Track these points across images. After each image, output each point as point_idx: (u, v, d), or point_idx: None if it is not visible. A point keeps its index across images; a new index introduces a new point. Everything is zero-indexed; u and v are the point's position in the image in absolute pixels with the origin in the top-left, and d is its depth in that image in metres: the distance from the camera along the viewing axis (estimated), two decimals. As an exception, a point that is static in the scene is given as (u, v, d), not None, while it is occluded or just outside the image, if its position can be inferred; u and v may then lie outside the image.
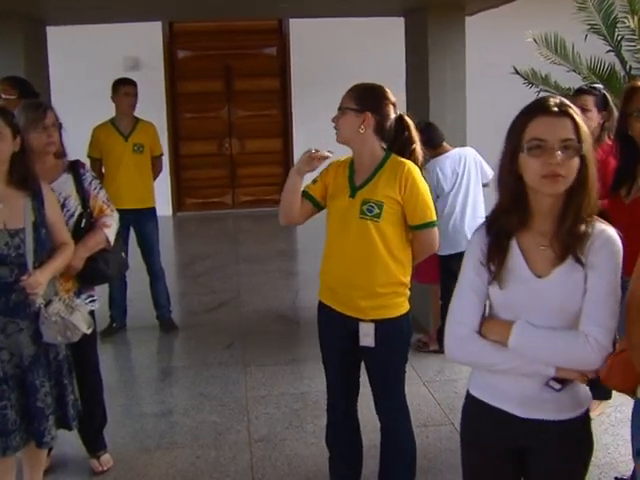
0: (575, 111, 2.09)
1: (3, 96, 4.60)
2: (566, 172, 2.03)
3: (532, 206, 2.14)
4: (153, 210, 6.28)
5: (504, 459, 2.30)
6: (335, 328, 3.31)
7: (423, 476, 3.82)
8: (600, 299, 2.08)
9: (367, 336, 3.18)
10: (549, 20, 8.41)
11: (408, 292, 3.28)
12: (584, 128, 2.07)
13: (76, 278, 3.64)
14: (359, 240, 3.14)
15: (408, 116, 3.30)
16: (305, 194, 3.30)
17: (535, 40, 8.31)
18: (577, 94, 4.44)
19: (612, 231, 2.12)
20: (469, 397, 2.35)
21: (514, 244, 2.17)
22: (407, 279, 3.25)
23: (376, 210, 3.11)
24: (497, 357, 2.16)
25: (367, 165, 3.20)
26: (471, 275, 2.23)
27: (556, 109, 2.06)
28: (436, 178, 5.14)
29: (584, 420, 2.23)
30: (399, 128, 3.25)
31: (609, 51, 8.23)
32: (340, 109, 3.20)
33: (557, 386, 2.13)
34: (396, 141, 3.26)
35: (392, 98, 3.23)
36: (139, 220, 6.04)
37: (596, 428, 4.19)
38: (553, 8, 9.01)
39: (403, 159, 3.21)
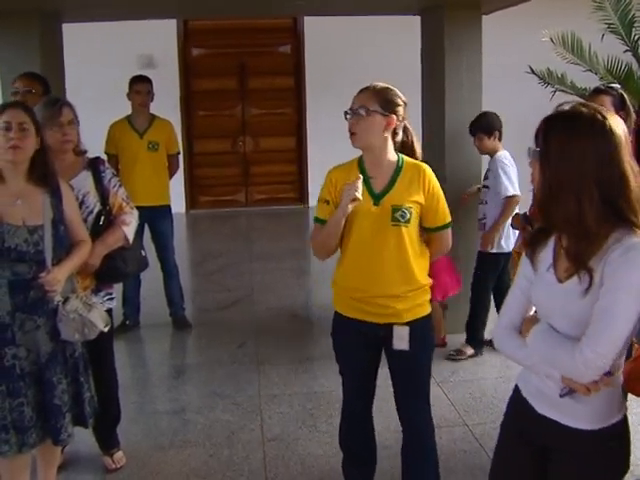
0: None
1: (33, 91, 4.63)
2: None
3: None
4: (168, 208, 6.28)
5: (529, 451, 2.31)
6: (358, 339, 3.25)
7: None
8: (601, 319, 1.99)
9: (402, 340, 3.17)
10: (566, 19, 8.35)
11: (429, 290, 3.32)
12: None
13: (94, 276, 3.64)
14: (392, 247, 3.12)
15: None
16: (325, 222, 3.19)
17: (551, 39, 8.25)
18: (594, 94, 4.40)
19: (638, 243, 1.98)
20: (515, 385, 2.41)
21: (552, 240, 2.18)
22: (428, 279, 3.28)
23: (407, 215, 3.10)
24: (520, 353, 2.23)
25: (384, 170, 3.16)
26: (521, 273, 2.29)
27: None
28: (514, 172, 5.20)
29: (606, 436, 2.14)
30: (403, 131, 3.25)
31: (626, 51, 8.17)
32: (365, 111, 3.04)
33: (562, 391, 2.13)
34: (401, 144, 3.26)
35: (404, 99, 3.18)
36: (154, 217, 6.03)
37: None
38: (570, 7, 8.95)
39: (415, 160, 3.23)
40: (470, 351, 5.42)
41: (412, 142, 3.33)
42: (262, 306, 6.94)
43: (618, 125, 2.05)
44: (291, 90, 11.90)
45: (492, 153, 5.31)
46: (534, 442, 2.28)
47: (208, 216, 11.67)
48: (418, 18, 6.38)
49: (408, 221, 3.10)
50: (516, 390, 2.38)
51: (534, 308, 2.28)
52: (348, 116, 3.11)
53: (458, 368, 5.22)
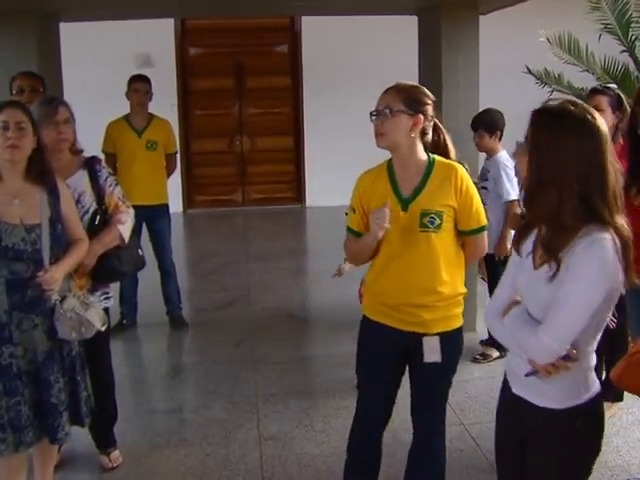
0: None
1: (40, 89, 4.64)
2: None
3: None
4: (166, 207, 6.29)
5: (513, 429, 2.43)
6: (387, 345, 3.14)
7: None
8: (559, 304, 2.13)
9: (433, 351, 3.04)
10: (563, 20, 8.35)
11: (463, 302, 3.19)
12: None
13: (89, 275, 3.64)
14: (421, 255, 3.00)
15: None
16: (355, 232, 3.15)
17: (548, 40, 8.27)
18: (591, 94, 4.42)
19: (602, 238, 2.10)
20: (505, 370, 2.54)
21: (535, 231, 2.30)
22: (464, 288, 3.16)
23: (437, 221, 2.97)
24: (502, 334, 2.41)
25: (414, 172, 3.03)
26: (512, 261, 2.45)
27: None
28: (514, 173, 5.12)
29: (572, 415, 2.25)
30: (434, 130, 3.15)
31: (623, 51, 8.18)
32: (389, 111, 2.95)
33: (528, 371, 2.26)
34: (433, 145, 3.14)
35: (432, 97, 3.09)
36: (152, 216, 6.04)
37: (607, 430, 4.17)
38: (567, 7, 8.95)
39: (448, 161, 3.09)
40: (495, 353, 5.34)
41: (445, 141, 3.19)
42: (259, 306, 6.94)
43: (604, 125, 2.16)
44: (288, 90, 11.89)
45: (490, 152, 5.29)
46: (516, 420, 2.40)
47: (205, 215, 11.66)
48: (415, 18, 6.39)
49: (438, 227, 2.97)
50: (504, 373, 2.53)
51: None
52: (373, 117, 3.01)
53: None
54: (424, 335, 3.05)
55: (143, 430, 4.46)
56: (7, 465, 3.23)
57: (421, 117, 2.98)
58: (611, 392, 4.26)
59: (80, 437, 3.94)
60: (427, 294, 3.03)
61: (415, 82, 3.17)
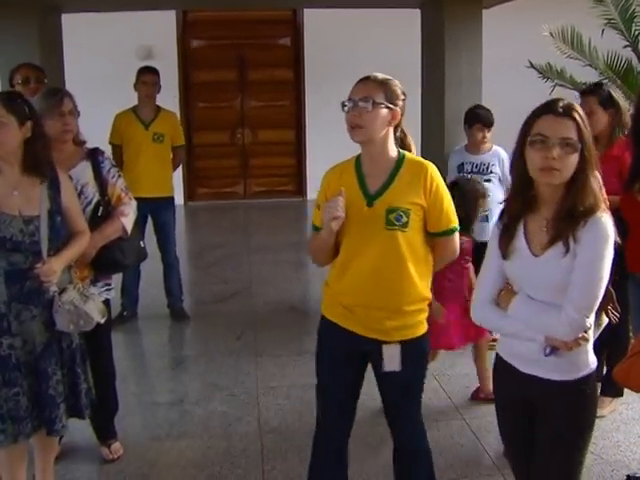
0: (580, 115, 2.35)
1: (45, 80, 4.64)
2: (561, 167, 2.30)
3: (538, 193, 2.42)
4: (172, 199, 6.31)
5: (520, 407, 2.60)
6: (345, 348, 2.99)
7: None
8: (577, 279, 2.32)
9: (392, 360, 2.90)
10: (566, 14, 8.31)
11: (428, 308, 3.04)
12: (586, 131, 2.33)
13: (91, 267, 3.64)
14: (386, 254, 2.84)
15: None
16: (319, 229, 2.94)
17: (551, 34, 8.23)
18: (581, 96, 4.37)
19: (605, 220, 2.34)
20: (497, 354, 2.68)
21: (521, 226, 2.47)
22: (429, 293, 3.01)
23: (404, 219, 2.81)
24: (502, 322, 2.54)
25: (383, 168, 2.90)
26: (491, 253, 2.57)
27: (561, 110, 2.33)
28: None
29: (582, 383, 2.46)
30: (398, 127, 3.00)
31: (626, 46, 8.14)
32: (371, 103, 2.79)
33: (547, 351, 2.43)
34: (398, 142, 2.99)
35: (405, 92, 2.95)
36: (157, 208, 6.07)
37: (608, 425, 4.22)
38: (570, 2, 8.90)
39: (418, 157, 2.97)
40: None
41: (408, 140, 3.10)
42: (260, 298, 6.94)
43: None
44: (290, 82, 11.89)
45: (488, 146, 5.38)
46: (521, 399, 2.57)
47: (206, 208, 11.66)
48: (418, 12, 6.38)
49: (405, 225, 2.82)
50: (497, 358, 2.67)
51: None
52: (346, 108, 2.83)
53: (455, 362, 5.22)
54: (384, 343, 2.90)
55: (144, 422, 4.46)
56: (7, 456, 3.23)
57: (399, 111, 2.89)
58: (611, 388, 4.26)
59: (81, 429, 3.95)
60: (390, 297, 2.88)
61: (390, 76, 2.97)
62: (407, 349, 2.92)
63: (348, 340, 2.97)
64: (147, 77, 6.04)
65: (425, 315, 3.00)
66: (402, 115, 2.93)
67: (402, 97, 2.91)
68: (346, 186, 2.87)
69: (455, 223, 2.96)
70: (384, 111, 2.83)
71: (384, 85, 2.86)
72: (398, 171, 2.89)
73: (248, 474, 3.86)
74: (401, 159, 2.91)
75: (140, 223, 5.40)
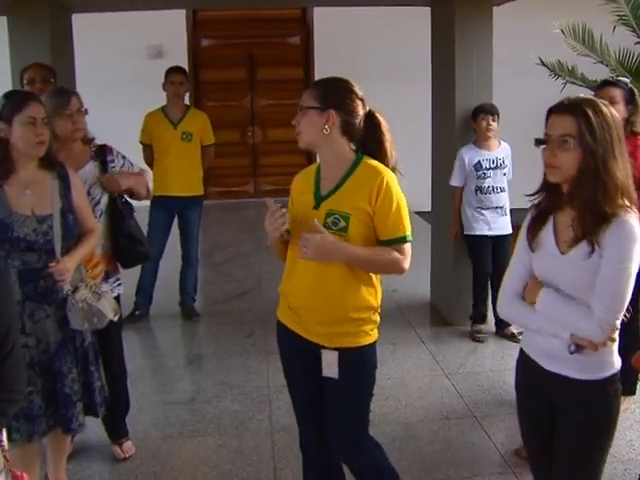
0: (591, 109, 2.31)
1: (52, 80, 4.67)
2: (558, 164, 2.34)
3: (565, 191, 2.42)
4: (200, 198, 6.38)
5: (540, 405, 2.59)
6: (297, 351, 2.96)
7: (445, 468, 3.83)
8: (604, 280, 2.31)
9: (330, 366, 2.82)
10: (577, 11, 8.30)
11: (378, 318, 2.91)
12: (596, 124, 2.29)
13: (115, 261, 3.80)
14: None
15: (379, 113, 2.90)
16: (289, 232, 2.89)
17: (562, 31, 8.22)
18: (604, 86, 4.36)
19: (631, 219, 2.30)
20: (520, 349, 2.68)
21: (550, 221, 2.48)
22: (378, 302, 2.89)
23: (342, 223, 2.73)
24: (528, 318, 2.52)
25: (335, 171, 2.83)
26: (520, 248, 2.58)
27: (563, 107, 2.35)
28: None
29: (605, 384, 2.46)
30: (370, 126, 2.86)
31: (638, 43, 8.13)
32: (300, 109, 2.83)
33: (572, 348, 2.42)
34: (367, 141, 2.86)
35: (359, 93, 2.84)
36: (184, 207, 6.17)
37: (621, 424, 4.15)
38: (581, -1, 8.91)
39: (377, 163, 2.81)
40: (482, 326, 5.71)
41: (380, 140, 2.88)
42: (270, 297, 6.86)
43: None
44: (300, 81, 11.86)
45: (497, 144, 5.60)
46: (544, 395, 2.57)
47: (216, 207, 11.65)
48: (428, 10, 6.35)
49: (343, 229, 2.72)
50: (521, 353, 2.67)
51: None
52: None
53: (467, 360, 5.22)
54: (324, 348, 2.84)
55: (155, 420, 4.47)
56: (21, 454, 3.22)
57: (332, 112, 2.77)
58: (624, 386, 4.24)
59: (93, 427, 3.95)
60: (331, 301, 2.80)
61: (343, 76, 2.91)
62: (347, 357, 2.82)
63: (295, 342, 2.95)
64: (175, 77, 6.09)
65: (372, 327, 2.88)
66: (348, 115, 2.81)
67: (345, 96, 2.81)
68: (305, 187, 2.94)
69: (403, 233, 2.78)
70: (314, 114, 2.81)
71: (317, 88, 2.87)
72: (349, 175, 2.81)
73: (259, 472, 3.87)
74: (356, 163, 2.83)
75: (167, 222, 5.57)
